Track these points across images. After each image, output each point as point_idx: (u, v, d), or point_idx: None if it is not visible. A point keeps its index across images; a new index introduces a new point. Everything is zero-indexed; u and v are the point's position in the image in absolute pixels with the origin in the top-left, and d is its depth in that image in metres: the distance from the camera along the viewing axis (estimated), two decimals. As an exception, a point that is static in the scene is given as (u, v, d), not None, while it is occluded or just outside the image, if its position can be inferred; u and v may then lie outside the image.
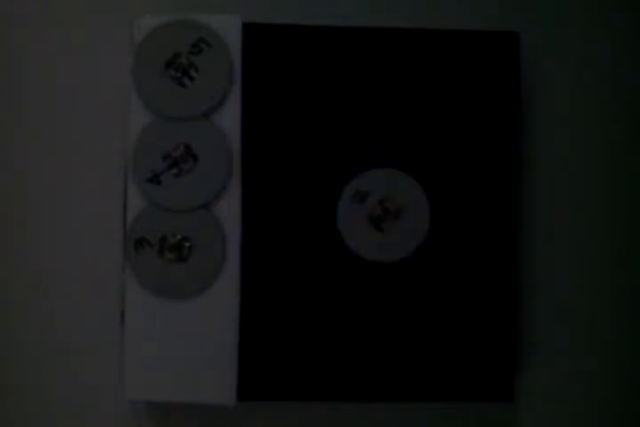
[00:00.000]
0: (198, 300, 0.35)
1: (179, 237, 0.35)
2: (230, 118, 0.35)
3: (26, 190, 0.38)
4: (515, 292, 0.36)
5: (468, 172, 0.36)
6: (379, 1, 0.39)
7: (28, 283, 0.37)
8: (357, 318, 0.35)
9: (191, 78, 0.35)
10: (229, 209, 0.35)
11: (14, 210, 0.38)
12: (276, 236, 0.35)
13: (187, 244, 0.35)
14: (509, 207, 0.36)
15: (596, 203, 0.38)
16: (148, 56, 0.35)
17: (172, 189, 0.35)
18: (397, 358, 0.35)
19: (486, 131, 0.36)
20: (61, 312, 0.37)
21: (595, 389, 0.38)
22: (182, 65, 0.35)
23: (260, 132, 0.35)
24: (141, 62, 0.35)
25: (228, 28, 0.35)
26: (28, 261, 0.38)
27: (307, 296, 0.35)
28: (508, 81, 0.36)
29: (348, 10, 0.38)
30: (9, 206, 0.38)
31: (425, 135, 0.36)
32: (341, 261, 0.35)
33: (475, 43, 0.36)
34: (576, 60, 0.39)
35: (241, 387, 0.35)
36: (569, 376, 0.38)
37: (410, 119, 0.36)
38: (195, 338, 0.35)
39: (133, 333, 0.35)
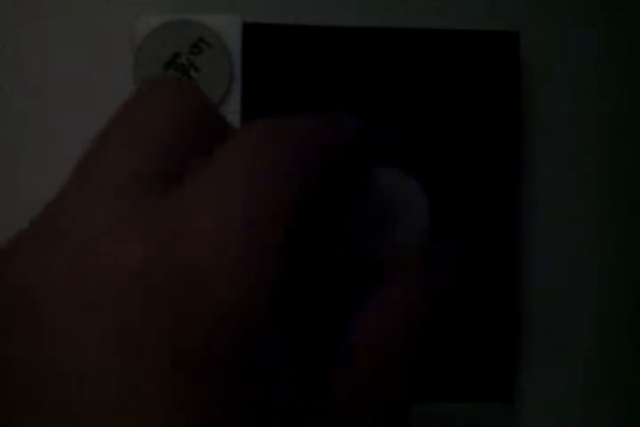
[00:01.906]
0: (198, 300, 0.35)
1: (179, 236, 0.35)
2: (230, 118, 0.35)
3: (26, 191, 0.38)
4: (515, 292, 0.36)
5: (467, 171, 0.36)
6: (379, 1, 0.39)
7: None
8: (357, 318, 0.35)
9: (191, 78, 0.35)
10: (229, 209, 0.35)
11: (15, 210, 0.38)
12: (276, 236, 0.35)
13: (187, 244, 0.35)
14: (509, 207, 0.36)
15: (597, 203, 0.38)
16: (148, 56, 0.35)
17: (172, 188, 0.35)
18: (397, 358, 0.35)
19: (486, 131, 0.36)
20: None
21: (595, 389, 0.38)
22: (182, 65, 0.35)
23: (260, 132, 0.35)
24: (141, 62, 0.35)
25: (228, 28, 0.35)
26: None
27: (306, 296, 0.35)
28: (508, 81, 0.36)
29: (348, 10, 0.38)
30: (9, 206, 0.38)
31: (425, 135, 0.36)
32: (341, 261, 0.35)
33: (475, 43, 0.36)
34: (576, 60, 0.39)
35: (241, 387, 0.35)
36: (569, 376, 0.38)
37: (409, 119, 0.36)
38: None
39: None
